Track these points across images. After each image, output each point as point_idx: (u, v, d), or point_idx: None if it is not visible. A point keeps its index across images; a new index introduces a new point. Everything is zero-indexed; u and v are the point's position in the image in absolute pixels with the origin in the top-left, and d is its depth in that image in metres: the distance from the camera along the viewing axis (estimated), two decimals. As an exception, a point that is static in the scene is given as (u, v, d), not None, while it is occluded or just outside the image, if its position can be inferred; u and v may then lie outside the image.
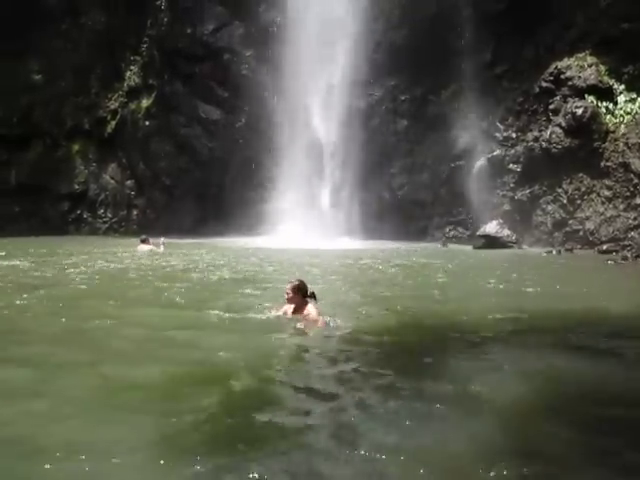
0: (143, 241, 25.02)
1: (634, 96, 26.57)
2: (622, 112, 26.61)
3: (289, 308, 9.34)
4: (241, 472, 4.34)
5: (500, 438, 5.16)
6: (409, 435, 5.12)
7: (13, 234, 32.06)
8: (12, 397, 5.89)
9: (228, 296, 11.88)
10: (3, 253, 20.94)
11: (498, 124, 30.58)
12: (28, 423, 5.27)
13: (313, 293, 9.28)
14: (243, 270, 17.02)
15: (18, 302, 10.96)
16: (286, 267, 17.96)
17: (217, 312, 9.88)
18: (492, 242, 26.99)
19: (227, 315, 9.70)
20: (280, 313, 9.45)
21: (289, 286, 9.26)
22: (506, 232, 27.53)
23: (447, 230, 31.34)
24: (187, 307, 10.73)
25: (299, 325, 8.94)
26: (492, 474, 4.39)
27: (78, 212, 39.84)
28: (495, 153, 30.37)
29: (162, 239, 25.67)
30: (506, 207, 29.70)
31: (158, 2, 38.34)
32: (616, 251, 23.67)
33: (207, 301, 11.04)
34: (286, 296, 9.27)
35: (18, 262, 18.35)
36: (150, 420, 5.33)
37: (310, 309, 9.14)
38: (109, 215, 39.68)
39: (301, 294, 9.18)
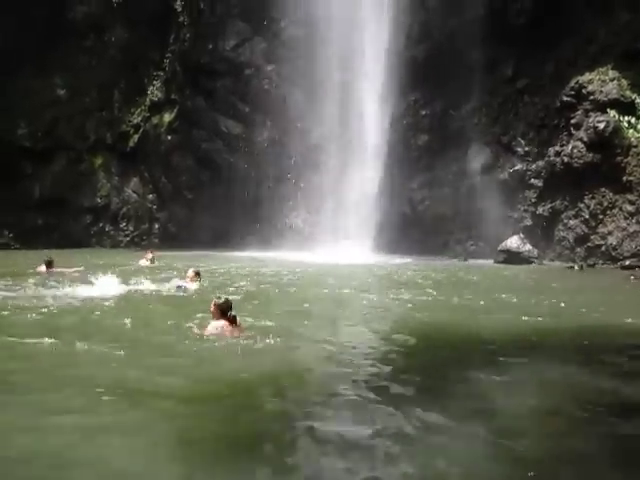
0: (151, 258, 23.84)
1: (657, 110, 26.39)
2: (644, 126, 26.41)
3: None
4: None
5: (521, 450, 5.16)
6: (425, 447, 5.13)
7: (36, 247, 32.34)
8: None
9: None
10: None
11: (519, 139, 30.48)
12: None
13: (235, 316, 9.41)
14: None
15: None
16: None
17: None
18: (513, 257, 26.82)
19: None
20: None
21: (218, 302, 9.43)
22: (527, 247, 27.34)
23: (468, 245, 31.16)
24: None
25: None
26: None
27: (100, 225, 40.17)
28: (516, 168, 30.24)
29: (150, 254, 24.56)
30: (527, 222, 29.52)
31: (180, 18, 38.74)
32: (639, 266, 23.46)
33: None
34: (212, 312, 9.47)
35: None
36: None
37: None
38: (131, 228, 39.95)
39: (221, 312, 9.34)
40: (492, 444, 5.33)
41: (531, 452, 5.16)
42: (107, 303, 12.65)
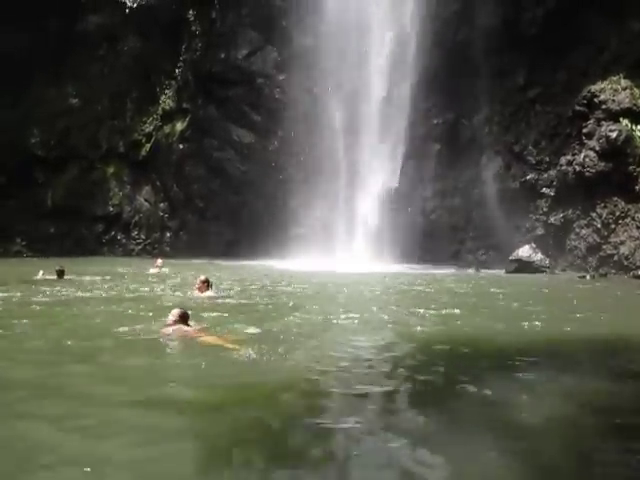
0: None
1: (669, 120, 26.27)
2: (657, 136, 26.29)
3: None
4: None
5: (533, 458, 5.15)
6: (441, 454, 5.11)
7: (48, 255, 32.49)
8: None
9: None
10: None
11: (531, 148, 30.41)
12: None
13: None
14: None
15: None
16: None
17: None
18: (525, 266, 26.69)
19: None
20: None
21: (176, 312, 9.87)
22: (539, 256, 27.21)
23: (479, 254, 31.05)
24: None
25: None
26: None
27: (112, 233, 40.37)
28: (528, 177, 30.16)
29: (159, 261, 25.65)
30: (539, 231, 29.41)
31: (192, 28, 38.99)
32: (651, 276, 23.36)
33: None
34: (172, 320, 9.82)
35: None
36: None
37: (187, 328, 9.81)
38: (142, 237, 40.12)
39: (182, 321, 9.82)
40: (510, 452, 5.31)
41: (551, 460, 5.14)
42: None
